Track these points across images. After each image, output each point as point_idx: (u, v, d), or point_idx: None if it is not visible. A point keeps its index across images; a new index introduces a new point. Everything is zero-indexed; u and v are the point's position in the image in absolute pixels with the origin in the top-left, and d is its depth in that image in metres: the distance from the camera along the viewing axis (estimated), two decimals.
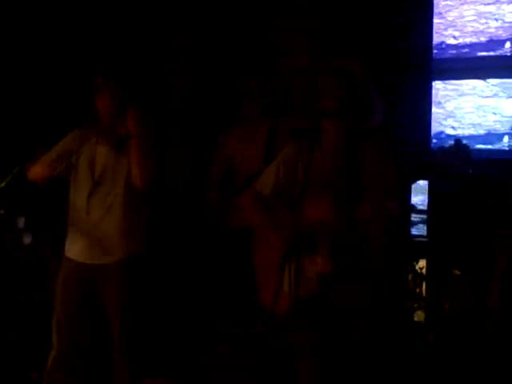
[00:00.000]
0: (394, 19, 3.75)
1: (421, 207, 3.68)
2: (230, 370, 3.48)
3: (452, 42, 3.79)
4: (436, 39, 3.82)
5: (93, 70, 2.93)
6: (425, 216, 3.65)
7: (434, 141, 3.83)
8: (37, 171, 2.93)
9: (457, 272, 3.49)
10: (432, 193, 3.56)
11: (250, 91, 3.56)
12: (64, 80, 3.81)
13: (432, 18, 3.77)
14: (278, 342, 2.74)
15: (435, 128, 3.84)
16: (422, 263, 3.56)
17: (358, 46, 3.69)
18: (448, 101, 3.81)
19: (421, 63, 3.74)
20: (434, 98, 3.82)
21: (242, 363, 3.43)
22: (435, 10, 3.81)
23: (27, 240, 3.34)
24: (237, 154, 3.59)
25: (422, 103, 3.77)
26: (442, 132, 3.83)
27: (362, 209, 2.36)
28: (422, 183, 3.63)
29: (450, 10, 3.82)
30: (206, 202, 3.70)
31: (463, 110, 3.80)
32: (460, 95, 3.80)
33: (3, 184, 2.73)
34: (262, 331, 2.93)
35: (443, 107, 3.81)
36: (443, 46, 3.80)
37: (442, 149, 2.25)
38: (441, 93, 3.83)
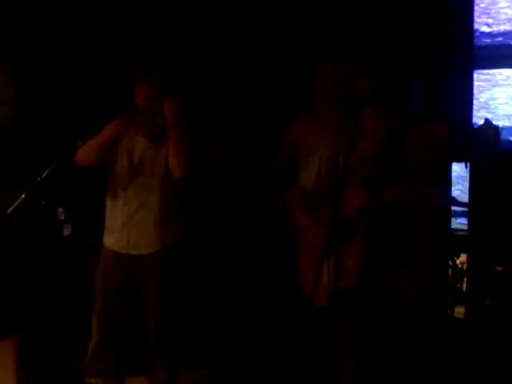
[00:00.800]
0: (436, 7, 3.68)
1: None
2: (270, 361, 3.48)
3: (485, 29, 3.70)
4: None
5: (132, 60, 2.95)
6: (465, 208, 3.56)
7: None
8: (84, 155, 2.93)
9: (499, 268, 3.41)
10: (473, 183, 3.48)
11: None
12: (104, 71, 3.84)
13: (473, 4, 3.68)
14: (318, 334, 2.73)
15: None
16: (463, 258, 3.48)
17: (399, 34, 3.64)
18: (481, 91, 3.71)
19: (462, 52, 3.66)
20: None
21: (282, 353, 3.43)
22: None
23: (67, 231, 3.38)
24: (302, 145, 3.40)
25: (463, 93, 3.69)
26: (475, 124, 3.73)
27: (399, 192, 2.35)
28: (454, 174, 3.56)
29: None
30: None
31: (497, 100, 3.70)
32: (493, 85, 3.69)
33: (45, 174, 2.77)
34: (302, 323, 2.92)
35: (476, 98, 3.70)
36: (476, 33, 3.70)
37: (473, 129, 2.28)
38: (474, 83, 3.74)
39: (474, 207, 3.50)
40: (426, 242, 2.47)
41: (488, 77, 3.71)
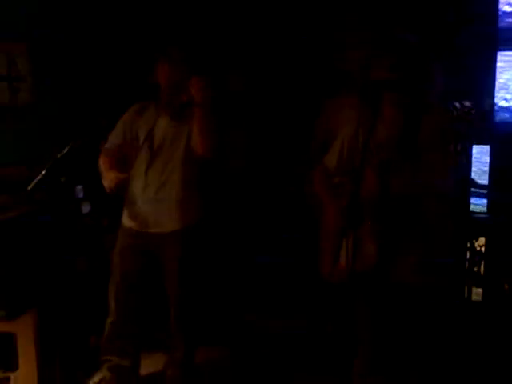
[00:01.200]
0: None
1: None
2: (286, 340, 3.50)
3: (507, 9, 3.64)
4: None
5: (154, 40, 2.94)
6: (481, 190, 3.54)
7: None
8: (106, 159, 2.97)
9: None
10: (493, 166, 3.45)
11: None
12: (125, 51, 3.84)
13: None
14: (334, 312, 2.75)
15: None
16: (482, 241, 3.46)
17: (422, 16, 3.61)
18: (501, 72, 3.68)
19: (486, 32, 3.61)
20: None
21: (297, 333, 3.45)
22: None
23: (85, 209, 3.41)
24: (336, 130, 3.34)
25: (486, 74, 3.65)
26: (494, 104, 3.70)
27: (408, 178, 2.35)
28: None
29: None
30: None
31: None
32: None
33: (65, 151, 2.78)
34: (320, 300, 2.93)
35: (496, 79, 3.67)
36: (499, 13, 3.64)
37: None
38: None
39: (493, 190, 3.48)
40: (442, 226, 2.46)
41: (507, 58, 3.67)
